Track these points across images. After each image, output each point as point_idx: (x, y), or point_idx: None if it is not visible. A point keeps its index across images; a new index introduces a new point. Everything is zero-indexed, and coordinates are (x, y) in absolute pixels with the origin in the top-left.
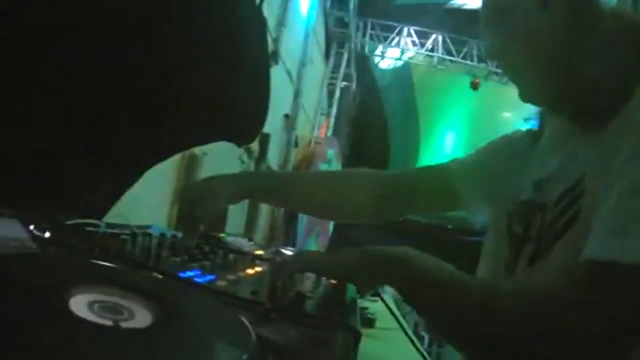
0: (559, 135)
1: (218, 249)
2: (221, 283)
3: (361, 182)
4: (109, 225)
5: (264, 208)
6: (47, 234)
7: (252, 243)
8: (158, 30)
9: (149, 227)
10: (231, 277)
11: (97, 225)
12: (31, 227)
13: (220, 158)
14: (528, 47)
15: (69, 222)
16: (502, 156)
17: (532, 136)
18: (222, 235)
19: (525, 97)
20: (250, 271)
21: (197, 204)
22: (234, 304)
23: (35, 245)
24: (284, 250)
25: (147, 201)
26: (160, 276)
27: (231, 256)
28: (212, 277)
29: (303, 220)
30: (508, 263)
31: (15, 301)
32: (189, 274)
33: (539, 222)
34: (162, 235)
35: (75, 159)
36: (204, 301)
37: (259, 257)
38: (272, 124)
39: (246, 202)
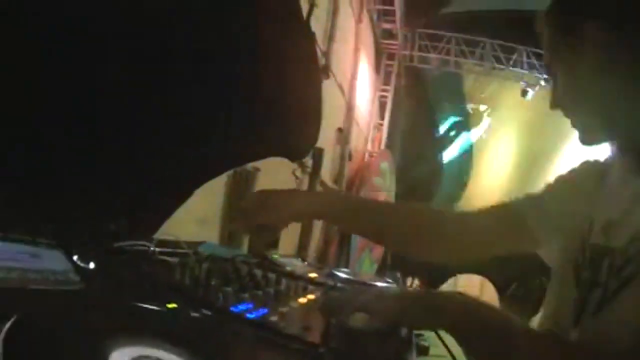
0: (629, 173)
1: (270, 274)
2: (273, 318)
3: (436, 220)
4: (160, 242)
5: (319, 222)
6: (92, 265)
7: (305, 264)
8: (211, 47)
9: (201, 243)
10: (284, 309)
11: (147, 247)
12: (75, 257)
13: (273, 173)
14: (593, 99)
15: (119, 244)
16: (571, 193)
17: (601, 170)
18: (275, 255)
19: (587, 142)
20: (303, 300)
21: (272, 211)
22: (286, 345)
23: (78, 278)
24: (337, 273)
25: (198, 216)
26: (210, 313)
27: (284, 281)
28: (264, 311)
29: (356, 236)
30: (575, 306)
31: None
32: (241, 308)
33: (607, 267)
34: (214, 259)
35: (130, 176)
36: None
37: (312, 281)
38: (325, 138)
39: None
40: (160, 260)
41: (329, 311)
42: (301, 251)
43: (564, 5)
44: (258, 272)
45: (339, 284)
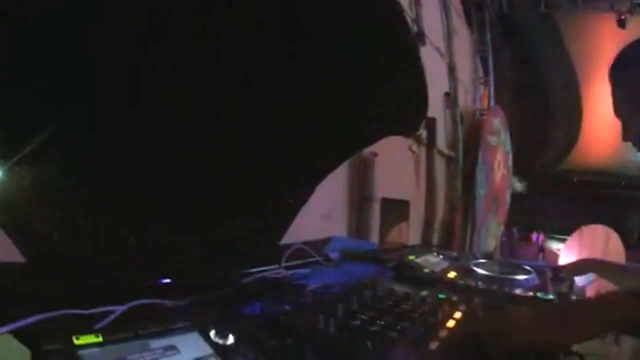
0: None
1: (412, 291)
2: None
3: None
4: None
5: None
6: (230, 340)
7: (440, 258)
8: (309, 33)
9: (329, 239)
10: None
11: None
12: (212, 333)
13: (389, 154)
14: None
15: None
16: None
17: None
18: (410, 257)
19: None
20: (450, 323)
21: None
22: None
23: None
24: (474, 267)
25: (323, 211)
26: None
27: (428, 299)
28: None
29: (480, 198)
30: None
31: None
32: None
33: None
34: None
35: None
36: None
37: (454, 283)
38: (434, 106)
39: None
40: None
41: (481, 343)
42: (428, 224)
43: None
44: (400, 291)
45: (480, 284)
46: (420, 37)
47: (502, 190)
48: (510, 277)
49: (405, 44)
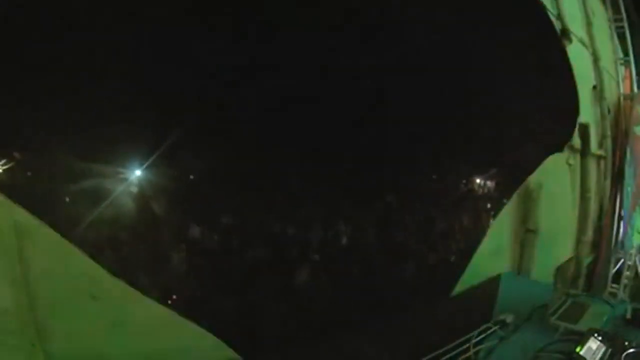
0: None
1: None
2: None
3: None
4: None
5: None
6: None
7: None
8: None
9: (497, 276)
10: None
11: None
12: None
13: (544, 174)
14: None
15: None
16: None
17: None
18: None
19: None
20: None
21: None
22: None
23: None
24: None
25: (491, 249)
26: None
27: None
28: None
29: (629, 196)
30: None
31: None
32: None
33: None
34: None
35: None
36: None
37: None
38: (584, 107)
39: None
40: None
41: None
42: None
43: None
44: None
45: None
46: (566, 34)
47: None
48: None
49: (553, 54)
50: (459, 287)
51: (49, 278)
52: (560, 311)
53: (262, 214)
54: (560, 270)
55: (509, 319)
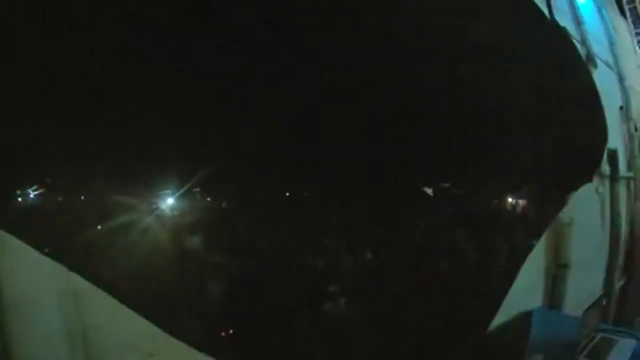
0: None
1: None
2: None
3: None
4: None
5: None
6: None
7: None
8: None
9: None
10: None
11: None
12: None
13: (577, 207)
14: None
15: None
16: None
17: None
18: None
19: None
20: None
21: None
22: None
23: None
24: None
25: (524, 286)
26: None
27: None
28: None
29: None
30: None
31: None
32: None
33: None
34: None
35: None
36: None
37: None
38: (612, 130)
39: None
40: None
41: None
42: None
43: None
44: None
45: None
46: (590, 60)
47: None
48: None
49: (577, 74)
50: (493, 326)
51: (107, 336)
52: (588, 348)
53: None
54: (590, 307)
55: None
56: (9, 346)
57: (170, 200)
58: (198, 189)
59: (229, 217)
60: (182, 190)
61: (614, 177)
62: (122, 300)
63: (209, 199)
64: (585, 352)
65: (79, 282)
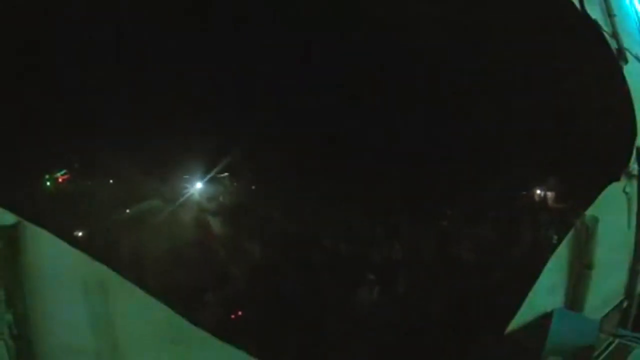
0: None
1: None
2: None
3: None
4: None
5: None
6: None
7: None
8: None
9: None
10: None
11: None
12: None
13: (603, 207)
14: None
15: None
16: None
17: None
18: None
19: None
20: None
21: None
22: None
23: None
24: None
25: (547, 285)
26: None
27: None
28: None
29: None
30: None
31: None
32: None
33: None
34: None
35: None
36: None
37: None
38: None
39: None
40: None
41: None
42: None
43: None
44: None
45: None
46: (621, 54)
47: None
48: None
49: (606, 69)
50: (514, 325)
51: (133, 324)
52: (605, 354)
53: None
54: (611, 310)
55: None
56: (36, 334)
57: (196, 188)
58: (225, 175)
59: (253, 206)
60: (205, 178)
61: None
62: (145, 288)
63: (235, 184)
64: (601, 358)
65: (103, 271)
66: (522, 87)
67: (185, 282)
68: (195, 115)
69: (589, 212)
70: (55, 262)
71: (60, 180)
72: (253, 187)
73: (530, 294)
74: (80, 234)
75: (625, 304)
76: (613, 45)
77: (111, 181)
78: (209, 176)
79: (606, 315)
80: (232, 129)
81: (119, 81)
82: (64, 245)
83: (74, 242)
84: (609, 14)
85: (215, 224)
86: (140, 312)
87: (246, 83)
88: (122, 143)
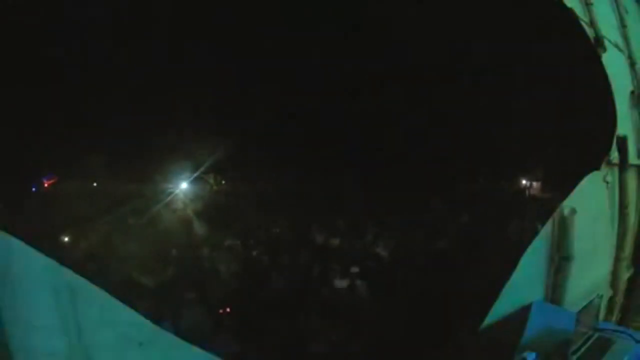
0: None
1: None
2: None
3: None
4: None
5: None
6: None
7: None
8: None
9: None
10: None
11: None
12: None
13: (582, 197)
14: None
15: None
16: None
17: None
18: None
19: None
20: None
21: None
22: None
23: None
24: None
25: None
26: None
27: None
28: None
29: None
30: None
31: None
32: None
33: None
34: None
35: None
36: None
37: None
38: (621, 115)
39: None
40: None
41: None
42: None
43: None
44: None
45: None
46: (599, 42)
47: None
48: None
49: (582, 59)
50: (490, 319)
51: (100, 328)
52: (583, 349)
53: None
54: (591, 302)
55: (531, 358)
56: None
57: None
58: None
59: (230, 206)
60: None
61: (623, 165)
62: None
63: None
64: (580, 352)
65: (72, 276)
66: (499, 76)
67: (155, 283)
68: (181, 116)
69: (569, 202)
70: (25, 267)
71: (46, 185)
72: (237, 185)
73: (507, 287)
74: (52, 238)
75: (609, 294)
76: (591, 34)
77: (84, 186)
78: (193, 176)
79: (586, 307)
80: (217, 129)
81: (102, 84)
82: (32, 251)
83: (42, 249)
84: (586, 2)
85: (196, 225)
86: (107, 316)
87: (233, 83)
88: (100, 145)
